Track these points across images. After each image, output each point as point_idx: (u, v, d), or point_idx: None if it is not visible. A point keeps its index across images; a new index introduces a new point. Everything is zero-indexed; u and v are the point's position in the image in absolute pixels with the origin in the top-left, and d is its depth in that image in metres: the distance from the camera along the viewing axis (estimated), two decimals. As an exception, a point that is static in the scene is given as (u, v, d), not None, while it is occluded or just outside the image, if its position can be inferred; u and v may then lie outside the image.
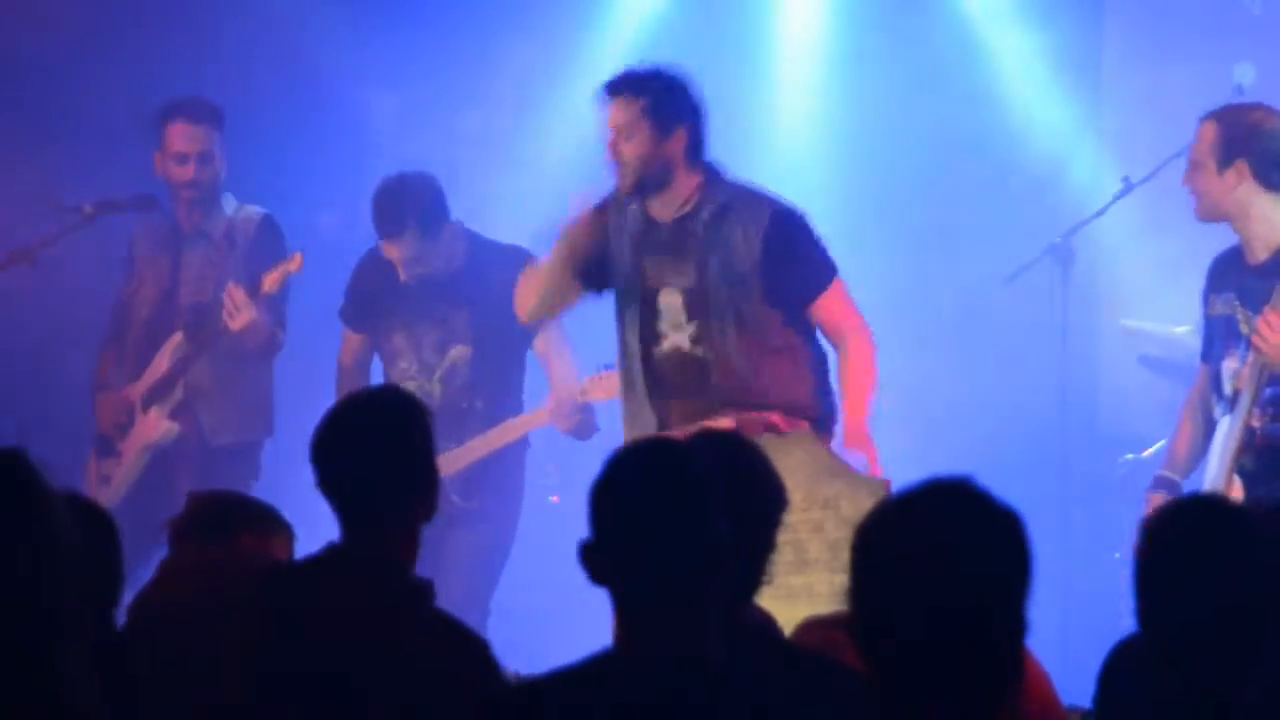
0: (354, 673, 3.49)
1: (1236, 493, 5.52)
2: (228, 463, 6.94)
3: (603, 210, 5.79)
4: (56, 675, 2.46)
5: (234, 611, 3.67)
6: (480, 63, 8.60)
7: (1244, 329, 5.61)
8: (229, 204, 7.14)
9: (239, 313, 6.84)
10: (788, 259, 5.62)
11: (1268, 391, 5.56)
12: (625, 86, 5.63)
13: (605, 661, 2.96)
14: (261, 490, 6.57)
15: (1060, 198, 8.26)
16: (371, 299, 6.81)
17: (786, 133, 8.69)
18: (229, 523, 4.12)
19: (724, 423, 5.39)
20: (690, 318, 5.67)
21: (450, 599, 6.52)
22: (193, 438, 7.06)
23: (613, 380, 6.20)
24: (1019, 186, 8.46)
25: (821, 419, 5.71)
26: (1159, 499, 5.70)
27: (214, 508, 4.20)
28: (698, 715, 2.88)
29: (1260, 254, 5.66)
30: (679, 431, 5.38)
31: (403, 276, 6.69)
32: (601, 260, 5.77)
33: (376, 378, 6.91)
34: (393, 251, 6.66)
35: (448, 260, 6.68)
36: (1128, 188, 7.37)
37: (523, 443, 6.82)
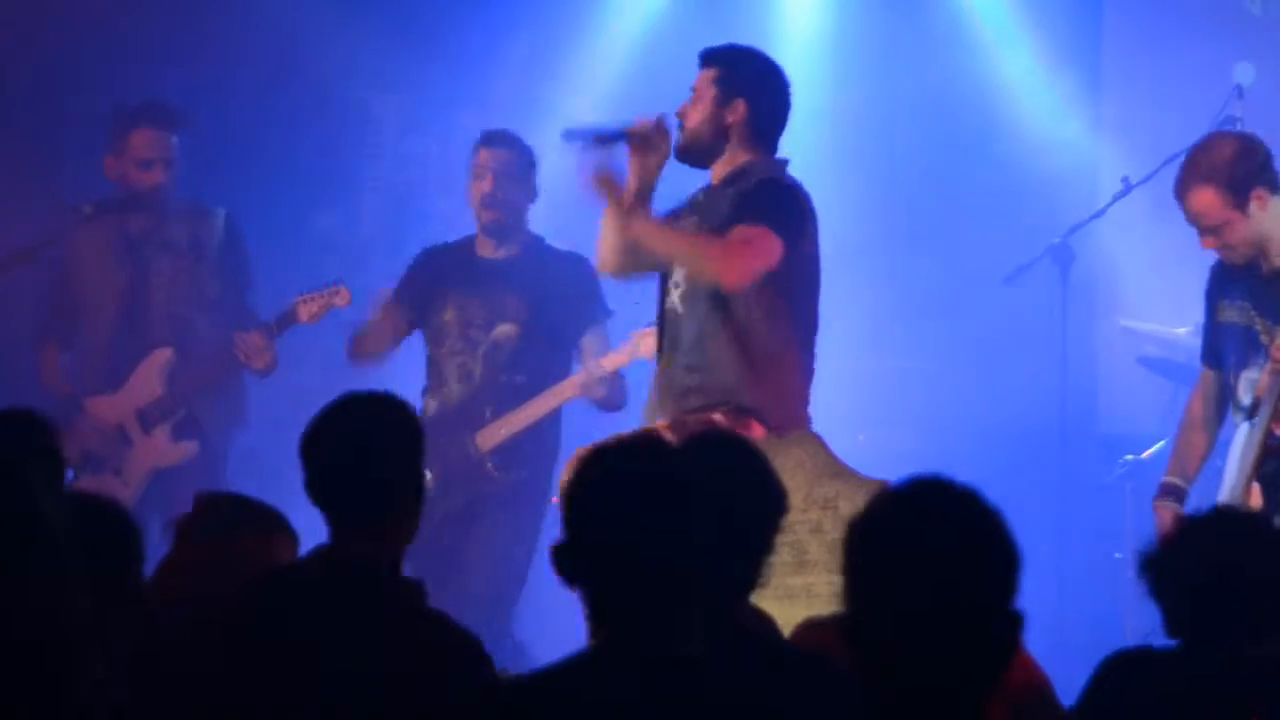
0: (346, 673, 3.49)
1: (1256, 499, 5.46)
2: (212, 461, 6.97)
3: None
4: (63, 676, 2.46)
5: (229, 611, 3.67)
6: (480, 63, 8.60)
7: (1264, 339, 5.55)
8: (181, 203, 7.09)
9: (258, 355, 6.87)
10: (745, 203, 5.48)
11: None
12: (709, 56, 5.68)
13: (579, 663, 2.94)
14: (263, 491, 6.59)
15: (1060, 197, 8.26)
16: (433, 277, 6.90)
17: (785, 132, 8.68)
18: (233, 523, 4.12)
19: (660, 425, 5.37)
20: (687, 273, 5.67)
21: (474, 593, 6.63)
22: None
23: (644, 342, 6.41)
24: (1018, 186, 8.46)
25: (749, 407, 5.52)
26: (1167, 507, 5.67)
27: (219, 508, 4.21)
28: (672, 715, 2.87)
29: (1275, 260, 5.61)
30: (663, 425, 5.38)
31: (482, 190, 6.82)
32: None
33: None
34: (489, 159, 6.83)
35: (515, 216, 6.87)
36: (1127, 188, 7.37)
37: (557, 421, 6.90)
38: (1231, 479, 5.54)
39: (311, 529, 4.08)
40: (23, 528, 2.47)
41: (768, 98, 5.68)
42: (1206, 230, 5.58)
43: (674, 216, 5.71)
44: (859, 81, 8.65)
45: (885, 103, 8.60)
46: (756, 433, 5.42)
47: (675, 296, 5.66)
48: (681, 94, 5.66)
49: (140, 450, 7.03)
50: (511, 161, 6.88)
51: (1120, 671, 3.44)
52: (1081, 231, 7.56)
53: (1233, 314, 5.67)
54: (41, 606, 2.45)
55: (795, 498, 5.01)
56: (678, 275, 5.66)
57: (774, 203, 5.50)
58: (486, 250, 6.92)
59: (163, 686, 3.57)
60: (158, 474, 7.02)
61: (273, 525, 4.14)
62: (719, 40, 5.85)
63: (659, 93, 7.54)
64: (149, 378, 7.02)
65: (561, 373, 6.89)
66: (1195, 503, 5.67)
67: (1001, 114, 8.61)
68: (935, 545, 2.47)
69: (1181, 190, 5.59)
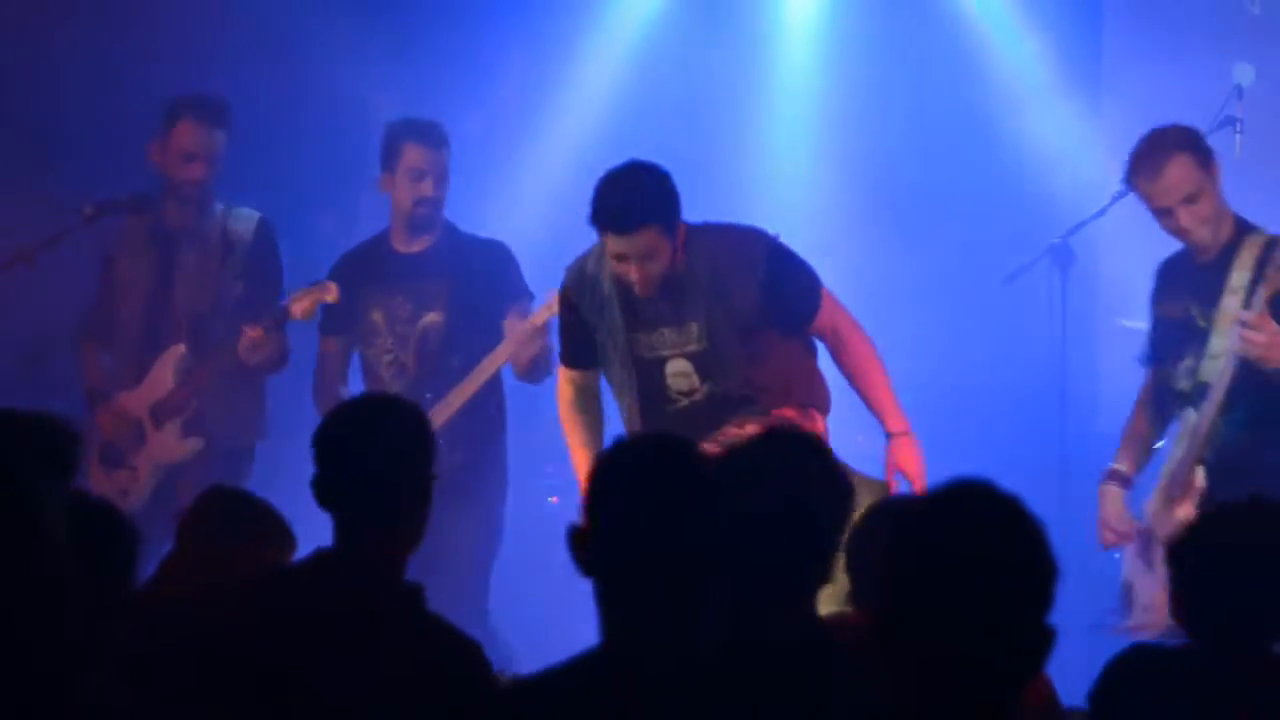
0: (345, 676, 3.49)
1: (1199, 483, 5.78)
2: (226, 465, 6.94)
3: (567, 298, 5.88)
4: (64, 678, 2.46)
5: (229, 611, 3.67)
6: (480, 63, 8.60)
7: (1201, 323, 5.76)
8: (218, 205, 7.10)
9: (252, 351, 6.84)
10: (784, 292, 5.71)
11: (1239, 397, 5.64)
12: (636, 221, 5.55)
13: (591, 659, 2.93)
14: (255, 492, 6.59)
15: (1060, 198, 8.26)
16: (350, 289, 6.89)
17: (784, 134, 8.69)
18: (232, 521, 4.13)
19: (749, 429, 5.41)
20: (703, 378, 5.74)
21: (449, 586, 6.64)
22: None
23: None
24: (1019, 186, 8.46)
25: (825, 403, 5.90)
26: (1112, 490, 6.04)
27: (219, 506, 4.21)
28: (679, 713, 2.86)
29: (1212, 251, 5.81)
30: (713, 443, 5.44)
31: (421, 192, 6.84)
32: (590, 343, 5.86)
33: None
34: (427, 162, 6.84)
35: (439, 209, 6.90)
36: (1127, 188, 7.36)
37: (499, 395, 6.92)
38: (1175, 462, 5.86)
39: (311, 529, 4.09)
40: (22, 530, 2.47)
41: (679, 200, 5.65)
42: (1183, 201, 5.73)
43: (635, 326, 5.74)
44: (858, 81, 8.66)
45: (884, 103, 8.60)
46: (819, 425, 5.74)
47: (696, 396, 5.76)
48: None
49: (151, 445, 7.06)
50: (447, 160, 6.88)
51: (1135, 671, 3.41)
52: (1081, 231, 7.56)
53: (1172, 309, 5.86)
54: (41, 608, 2.45)
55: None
56: (679, 388, 5.75)
57: (800, 267, 5.77)
58: (401, 244, 6.93)
59: (162, 688, 3.57)
60: (167, 470, 7.02)
61: (270, 525, 4.14)
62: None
63: (658, 93, 7.56)
64: (163, 373, 7.05)
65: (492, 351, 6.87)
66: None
67: (1001, 114, 8.62)
68: (982, 552, 2.44)
69: (1152, 168, 5.73)
